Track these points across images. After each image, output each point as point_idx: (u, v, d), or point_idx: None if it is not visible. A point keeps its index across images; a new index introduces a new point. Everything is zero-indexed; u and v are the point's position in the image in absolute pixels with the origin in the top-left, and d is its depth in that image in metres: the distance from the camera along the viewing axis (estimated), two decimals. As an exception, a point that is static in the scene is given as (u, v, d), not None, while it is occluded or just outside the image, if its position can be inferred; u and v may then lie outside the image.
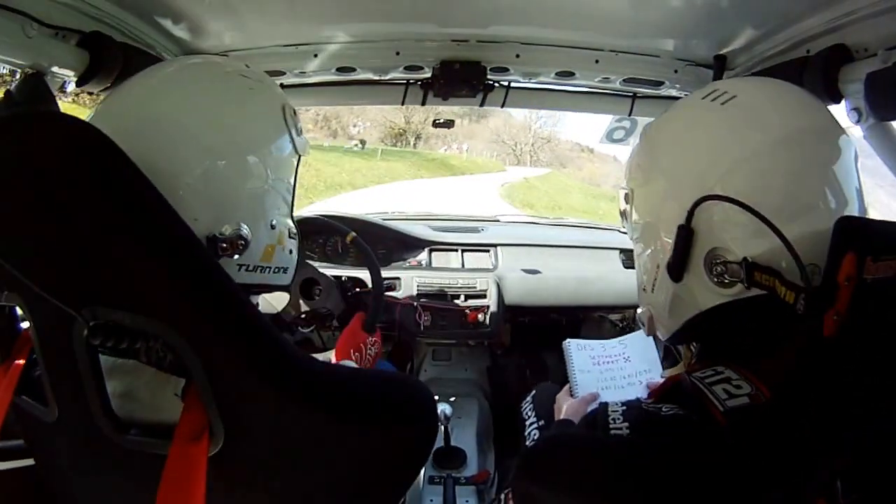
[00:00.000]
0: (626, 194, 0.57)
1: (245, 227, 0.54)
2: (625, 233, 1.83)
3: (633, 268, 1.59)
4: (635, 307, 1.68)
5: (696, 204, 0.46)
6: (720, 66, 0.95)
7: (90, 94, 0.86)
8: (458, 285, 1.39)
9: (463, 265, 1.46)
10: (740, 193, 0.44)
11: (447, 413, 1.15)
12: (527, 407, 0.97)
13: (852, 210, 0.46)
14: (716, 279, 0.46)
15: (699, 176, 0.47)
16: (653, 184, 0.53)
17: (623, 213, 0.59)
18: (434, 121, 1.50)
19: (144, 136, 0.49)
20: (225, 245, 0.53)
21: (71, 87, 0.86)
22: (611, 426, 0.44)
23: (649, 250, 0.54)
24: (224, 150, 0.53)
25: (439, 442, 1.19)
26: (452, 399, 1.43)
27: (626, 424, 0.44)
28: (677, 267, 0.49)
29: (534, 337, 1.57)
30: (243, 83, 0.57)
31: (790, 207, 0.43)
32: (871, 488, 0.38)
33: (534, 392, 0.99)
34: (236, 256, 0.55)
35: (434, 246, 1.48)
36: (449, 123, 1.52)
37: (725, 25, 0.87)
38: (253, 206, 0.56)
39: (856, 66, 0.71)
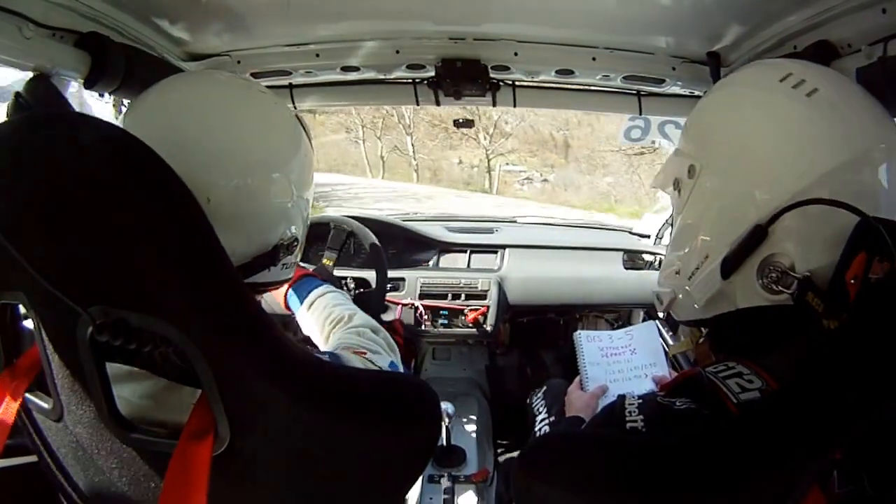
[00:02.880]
0: (691, 166, 0.52)
1: (294, 228, 0.61)
2: (635, 234, 1.83)
3: (633, 269, 1.61)
4: (631, 307, 1.68)
5: (793, 206, 0.44)
6: (715, 62, 0.95)
7: (101, 95, 0.87)
8: (461, 285, 1.40)
9: (468, 265, 1.48)
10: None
11: (450, 412, 1.15)
12: (538, 402, 0.97)
13: None
14: (765, 284, 0.46)
15: (787, 177, 0.45)
16: (729, 170, 0.50)
17: (676, 184, 0.55)
18: (455, 121, 1.52)
19: (175, 154, 0.49)
20: (286, 250, 0.59)
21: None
22: (627, 419, 0.45)
23: (701, 236, 0.52)
24: (262, 163, 0.56)
25: (439, 441, 1.19)
26: (453, 397, 1.43)
27: (642, 417, 0.45)
28: (735, 265, 0.48)
29: (532, 336, 1.58)
30: (267, 98, 0.61)
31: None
32: (865, 481, 0.39)
33: (545, 387, 0.99)
34: (290, 257, 0.61)
35: (444, 246, 1.49)
36: (469, 123, 1.55)
37: (712, 22, 0.88)
38: (295, 212, 0.61)
39: (843, 61, 0.72)
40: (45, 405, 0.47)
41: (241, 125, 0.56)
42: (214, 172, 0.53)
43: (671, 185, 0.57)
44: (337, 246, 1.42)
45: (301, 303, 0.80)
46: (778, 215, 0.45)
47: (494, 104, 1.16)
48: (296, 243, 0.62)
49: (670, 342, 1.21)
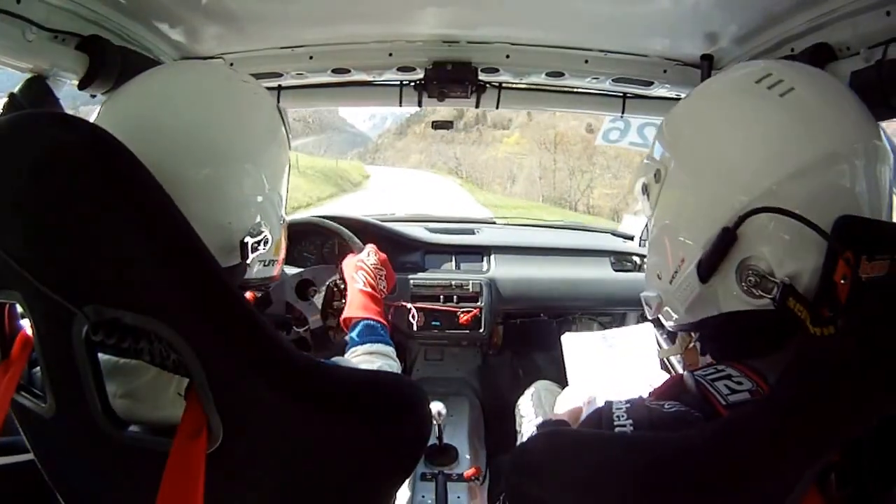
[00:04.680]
0: (657, 171, 0.52)
1: (265, 224, 0.58)
2: (619, 235, 1.82)
3: (622, 271, 1.61)
4: (624, 309, 1.67)
5: (753, 212, 0.43)
6: (708, 65, 0.96)
7: (93, 96, 0.88)
8: (452, 287, 1.40)
9: (458, 267, 1.48)
10: (795, 205, 0.42)
11: (442, 412, 1.16)
12: (525, 404, 0.97)
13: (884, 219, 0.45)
14: (745, 288, 0.45)
15: (753, 177, 0.44)
16: (695, 170, 0.49)
17: (645, 188, 0.55)
18: (433, 122, 1.50)
19: (148, 141, 0.49)
20: (255, 244, 0.57)
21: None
22: (615, 423, 0.44)
23: (675, 239, 0.51)
24: (234, 154, 0.55)
25: (432, 439, 1.20)
26: (445, 397, 1.44)
27: (630, 422, 0.44)
28: (710, 268, 0.47)
29: (524, 337, 1.58)
30: (247, 89, 0.60)
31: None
32: (864, 483, 0.39)
33: (532, 390, 1.00)
34: (259, 252, 0.59)
35: (429, 248, 1.49)
36: (448, 124, 1.52)
37: (711, 25, 0.88)
38: (266, 205, 0.59)
39: (840, 64, 0.72)
40: (39, 402, 0.48)
41: (213, 112, 0.55)
42: (184, 159, 0.52)
43: (641, 191, 0.57)
44: (318, 247, 1.43)
45: (353, 345, 0.77)
46: (743, 218, 0.44)
47: (478, 105, 1.16)
48: (266, 242, 0.59)
49: (664, 346, 1.21)
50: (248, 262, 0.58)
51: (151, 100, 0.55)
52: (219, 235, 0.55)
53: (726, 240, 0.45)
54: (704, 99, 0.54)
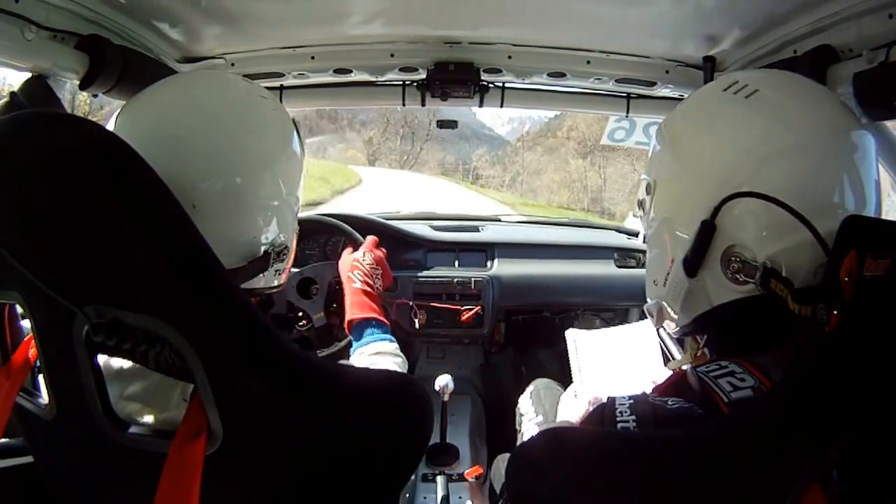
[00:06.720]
0: (648, 185, 0.57)
1: (283, 234, 0.61)
2: (623, 231, 1.81)
3: (626, 267, 1.61)
4: (626, 305, 1.68)
5: (725, 200, 0.46)
6: (710, 67, 0.96)
7: (94, 95, 0.88)
8: (454, 285, 1.39)
9: (459, 264, 1.47)
10: (766, 192, 0.44)
11: (450, 385, 1.13)
12: (525, 402, 0.97)
13: (870, 209, 0.47)
14: (731, 276, 0.47)
15: (725, 172, 0.48)
16: (675, 177, 0.53)
17: (640, 204, 0.59)
18: (438, 121, 1.51)
19: (165, 152, 0.50)
20: (275, 255, 0.60)
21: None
22: (618, 419, 0.45)
23: (665, 243, 0.54)
24: (250, 162, 0.56)
25: (435, 437, 1.20)
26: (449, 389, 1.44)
27: (633, 418, 0.44)
28: (694, 262, 0.49)
29: (527, 335, 1.58)
30: (265, 105, 0.61)
31: (813, 208, 0.44)
32: (865, 478, 0.39)
33: (533, 388, 1.00)
34: (277, 264, 0.61)
35: (432, 245, 1.49)
36: (452, 124, 1.53)
37: (713, 27, 0.89)
38: (284, 208, 0.61)
39: (842, 66, 0.72)
40: (39, 404, 0.48)
41: (227, 123, 0.56)
42: (201, 170, 0.52)
43: (639, 208, 0.60)
44: (321, 245, 1.43)
45: (357, 346, 0.78)
46: (718, 208, 0.47)
47: (481, 105, 1.17)
48: (286, 251, 0.62)
49: (669, 344, 1.21)
50: (265, 273, 0.60)
51: (167, 111, 0.55)
52: (242, 247, 0.57)
53: (706, 232, 0.48)
54: (679, 114, 0.58)
